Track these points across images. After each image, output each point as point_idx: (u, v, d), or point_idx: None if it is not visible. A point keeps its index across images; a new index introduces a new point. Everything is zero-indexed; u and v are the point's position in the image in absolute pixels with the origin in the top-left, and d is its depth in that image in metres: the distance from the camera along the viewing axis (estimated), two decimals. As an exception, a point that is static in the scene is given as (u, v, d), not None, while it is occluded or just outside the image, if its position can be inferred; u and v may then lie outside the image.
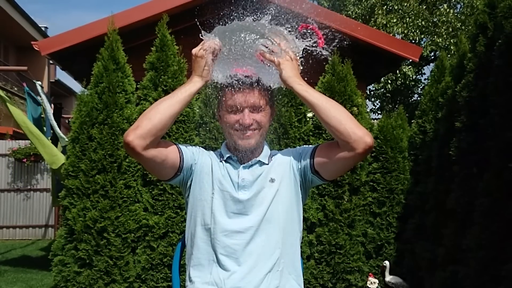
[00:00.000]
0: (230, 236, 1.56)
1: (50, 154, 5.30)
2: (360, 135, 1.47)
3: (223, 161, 1.65)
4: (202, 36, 1.55)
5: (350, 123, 1.49)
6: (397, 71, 12.29)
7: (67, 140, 5.87)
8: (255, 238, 1.55)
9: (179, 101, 1.53)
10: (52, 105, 6.95)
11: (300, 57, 1.59)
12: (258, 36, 1.55)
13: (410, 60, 6.19)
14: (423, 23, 12.62)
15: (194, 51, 1.55)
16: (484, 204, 3.25)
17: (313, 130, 4.78)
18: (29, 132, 5.36)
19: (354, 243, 4.70)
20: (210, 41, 1.54)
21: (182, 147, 1.63)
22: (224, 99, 1.60)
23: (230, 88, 1.58)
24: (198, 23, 1.60)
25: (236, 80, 1.57)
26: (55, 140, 6.23)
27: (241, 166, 1.62)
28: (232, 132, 1.60)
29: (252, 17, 1.57)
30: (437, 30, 12.56)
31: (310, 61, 1.63)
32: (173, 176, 1.61)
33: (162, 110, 1.51)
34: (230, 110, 1.59)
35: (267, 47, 1.55)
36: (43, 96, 6.50)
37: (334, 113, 1.50)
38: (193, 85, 1.56)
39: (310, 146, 1.68)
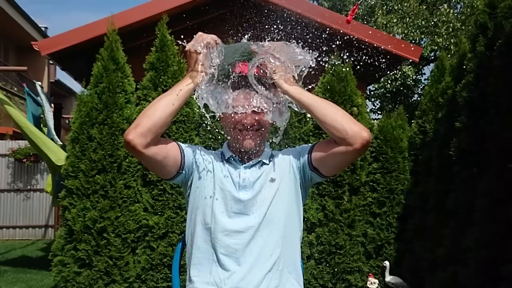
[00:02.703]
0: (230, 235, 1.55)
1: (54, 152, 5.30)
2: (356, 130, 1.48)
3: (224, 161, 1.65)
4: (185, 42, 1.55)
5: (345, 119, 1.50)
6: (397, 71, 12.29)
7: (60, 143, 5.89)
8: (255, 238, 1.55)
9: (177, 98, 1.54)
10: (52, 105, 6.95)
11: (308, 67, 1.57)
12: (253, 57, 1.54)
13: (410, 60, 6.19)
14: (423, 23, 12.62)
15: (188, 46, 1.55)
16: (484, 204, 3.25)
17: (313, 130, 4.78)
18: (30, 132, 5.35)
19: (354, 243, 4.70)
20: (203, 35, 1.54)
21: (183, 145, 1.64)
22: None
23: (232, 89, 1.58)
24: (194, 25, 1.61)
25: (238, 81, 1.57)
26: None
27: (242, 166, 1.63)
28: (234, 132, 1.60)
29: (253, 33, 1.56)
30: (437, 30, 12.56)
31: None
32: (175, 175, 1.61)
33: (161, 107, 1.51)
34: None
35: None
36: (43, 97, 6.50)
37: (330, 111, 1.52)
38: (190, 81, 1.56)
39: (309, 144, 1.68)
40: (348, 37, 5.56)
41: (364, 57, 5.85)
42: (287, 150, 1.72)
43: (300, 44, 1.57)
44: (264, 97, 1.57)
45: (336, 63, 4.80)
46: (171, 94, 1.54)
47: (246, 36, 1.62)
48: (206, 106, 1.60)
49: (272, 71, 1.54)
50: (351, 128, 1.48)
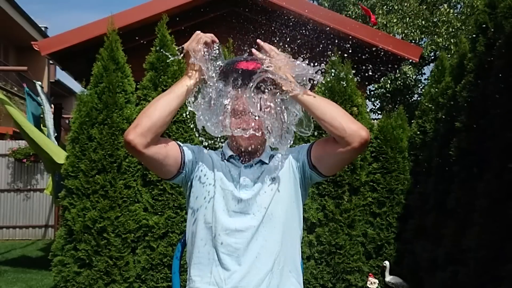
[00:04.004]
0: (231, 234, 1.56)
1: (54, 152, 5.30)
2: (354, 129, 1.48)
3: (224, 160, 1.65)
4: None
5: (344, 118, 1.50)
6: (397, 71, 12.29)
7: (56, 144, 5.89)
8: (255, 237, 1.56)
9: (176, 97, 1.54)
10: (52, 105, 6.95)
11: (310, 81, 1.55)
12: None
13: (410, 60, 6.20)
14: (423, 23, 12.62)
15: (186, 45, 1.55)
16: (484, 204, 3.25)
17: (313, 131, 4.77)
18: (30, 131, 5.35)
19: (354, 243, 4.70)
20: (200, 35, 1.54)
21: (183, 145, 1.64)
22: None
23: (233, 89, 1.56)
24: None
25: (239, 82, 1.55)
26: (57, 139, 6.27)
27: (243, 165, 1.63)
28: (235, 133, 1.59)
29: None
30: (437, 30, 12.56)
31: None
32: (176, 175, 1.61)
33: (161, 107, 1.51)
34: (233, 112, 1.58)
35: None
36: (43, 97, 6.50)
37: (329, 109, 1.52)
38: (189, 79, 1.56)
39: (308, 143, 1.68)
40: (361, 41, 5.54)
41: (364, 60, 5.85)
42: (288, 149, 1.72)
43: (304, 61, 1.54)
44: (264, 117, 1.53)
45: (337, 64, 4.80)
46: (170, 94, 1.55)
47: (246, 54, 1.62)
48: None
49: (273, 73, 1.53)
50: (349, 127, 1.48)
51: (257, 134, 1.56)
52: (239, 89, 1.55)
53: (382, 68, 6.74)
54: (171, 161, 1.58)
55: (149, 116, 1.49)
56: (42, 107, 6.57)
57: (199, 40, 1.54)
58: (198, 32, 1.56)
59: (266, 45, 1.58)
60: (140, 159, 1.58)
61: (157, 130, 1.50)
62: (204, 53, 1.54)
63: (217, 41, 1.58)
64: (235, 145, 1.63)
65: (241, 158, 1.64)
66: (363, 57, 5.85)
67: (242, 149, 1.62)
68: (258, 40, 1.60)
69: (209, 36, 1.55)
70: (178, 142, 1.64)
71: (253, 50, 1.59)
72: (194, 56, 1.53)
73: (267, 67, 1.51)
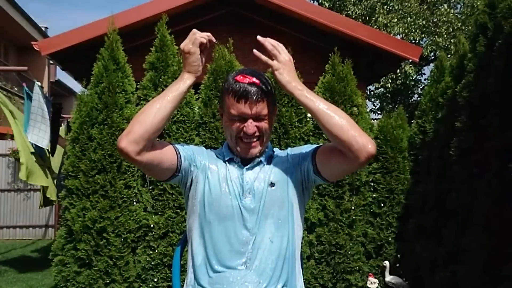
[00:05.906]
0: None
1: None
2: (362, 143, 1.45)
3: (225, 162, 1.63)
4: None
5: (352, 131, 1.46)
6: (397, 71, 12.29)
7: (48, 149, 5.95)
8: (257, 238, 1.55)
9: (170, 101, 1.50)
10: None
11: None
12: None
13: (410, 60, 6.19)
14: (423, 23, 12.63)
15: (182, 46, 1.52)
16: (484, 204, 3.25)
17: (313, 130, 4.78)
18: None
19: (354, 243, 4.70)
20: (196, 34, 1.51)
21: (180, 147, 1.61)
22: (227, 105, 1.55)
23: (234, 96, 1.53)
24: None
25: (241, 90, 1.52)
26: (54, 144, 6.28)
27: (244, 166, 1.61)
28: (236, 140, 1.58)
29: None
30: (437, 30, 12.57)
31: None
32: (171, 177, 1.59)
33: (153, 113, 1.47)
34: (233, 118, 1.56)
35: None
36: (37, 97, 6.42)
37: (336, 120, 1.47)
38: (184, 82, 1.53)
39: (311, 146, 1.66)
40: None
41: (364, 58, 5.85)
42: (289, 150, 1.71)
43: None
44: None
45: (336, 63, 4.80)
46: (164, 97, 1.50)
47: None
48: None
49: (275, 69, 1.51)
50: (357, 141, 1.45)
51: (256, 150, 1.58)
52: (241, 97, 1.52)
53: (382, 68, 6.74)
54: (166, 165, 1.55)
55: (141, 123, 1.45)
56: (32, 100, 6.48)
57: (194, 41, 1.51)
58: (195, 31, 1.53)
59: (268, 43, 1.53)
60: (134, 165, 1.55)
61: (150, 137, 1.46)
62: (200, 53, 1.52)
63: (214, 40, 1.55)
64: (236, 150, 1.62)
65: (242, 160, 1.63)
66: (363, 57, 5.85)
67: (243, 156, 1.61)
68: (258, 37, 1.54)
69: (205, 36, 1.52)
70: (174, 145, 1.60)
71: (255, 51, 1.55)
72: (191, 57, 1.51)
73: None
